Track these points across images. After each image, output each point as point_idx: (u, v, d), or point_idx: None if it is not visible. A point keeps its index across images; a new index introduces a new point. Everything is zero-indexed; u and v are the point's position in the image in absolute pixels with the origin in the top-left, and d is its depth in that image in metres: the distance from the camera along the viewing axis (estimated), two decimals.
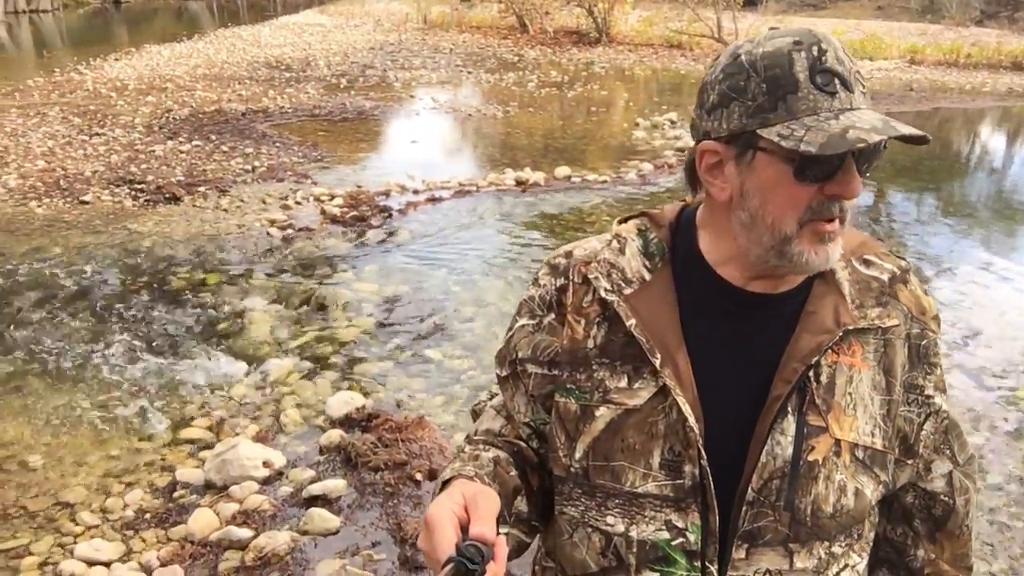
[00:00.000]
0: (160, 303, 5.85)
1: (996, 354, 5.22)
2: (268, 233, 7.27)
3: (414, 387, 4.69)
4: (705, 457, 1.02)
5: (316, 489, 3.65)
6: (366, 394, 4.55)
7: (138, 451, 4.07)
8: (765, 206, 1.00)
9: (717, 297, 1.08)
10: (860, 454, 1.05)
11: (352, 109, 13.44)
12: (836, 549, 1.06)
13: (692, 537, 1.04)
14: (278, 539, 3.33)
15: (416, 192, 8.69)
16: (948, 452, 1.16)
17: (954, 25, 26.80)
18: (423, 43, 24.13)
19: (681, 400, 1.03)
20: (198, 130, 11.29)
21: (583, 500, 1.11)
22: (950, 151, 12.90)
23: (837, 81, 0.96)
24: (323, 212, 7.85)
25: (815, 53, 0.96)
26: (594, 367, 1.09)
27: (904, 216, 8.78)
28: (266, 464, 3.83)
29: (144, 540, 3.42)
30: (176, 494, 3.72)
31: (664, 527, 1.05)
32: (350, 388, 4.62)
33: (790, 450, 1.02)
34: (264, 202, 8.22)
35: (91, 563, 3.23)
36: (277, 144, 10.73)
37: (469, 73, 18.24)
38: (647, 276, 1.10)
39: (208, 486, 3.75)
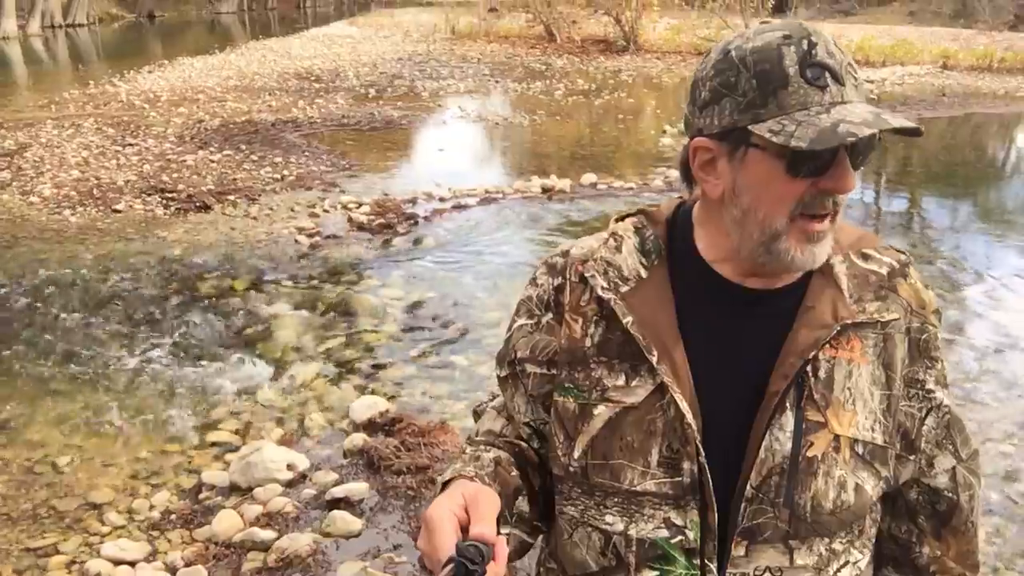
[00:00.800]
0: (189, 309, 5.92)
1: None
2: (296, 240, 7.34)
3: (438, 392, 4.70)
4: (703, 454, 1.02)
5: (339, 492, 3.67)
6: (390, 399, 4.57)
7: (165, 453, 4.12)
8: (757, 202, 1.00)
9: (714, 294, 1.08)
10: (860, 449, 1.04)
11: (380, 119, 13.55)
12: (837, 545, 1.05)
13: (691, 535, 1.03)
14: (300, 541, 3.34)
15: (442, 200, 8.73)
16: (951, 447, 1.14)
17: (987, 30, 26.40)
18: (451, 53, 24.28)
19: (678, 397, 1.02)
20: (228, 140, 11.44)
21: (582, 499, 1.10)
22: (984, 157, 12.72)
23: (828, 74, 0.95)
24: (350, 220, 7.92)
25: (805, 47, 0.95)
26: (592, 366, 1.08)
27: (938, 223, 8.66)
28: (290, 467, 3.86)
29: (169, 541, 3.45)
30: (201, 496, 3.75)
31: (663, 525, 1.04)
32: (374, 393, 4.64)
33: (789, 446, 1.01)
34: (292, 210, 8.30)
35: (117, 563, 3.27)
36: (306, 153, 10.83)
37: (496, 82, 18.32)
38: (643, 274, 1.09)
39: (233, 488, 3.78)
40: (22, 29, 29.95)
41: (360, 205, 8.33)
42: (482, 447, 1.17)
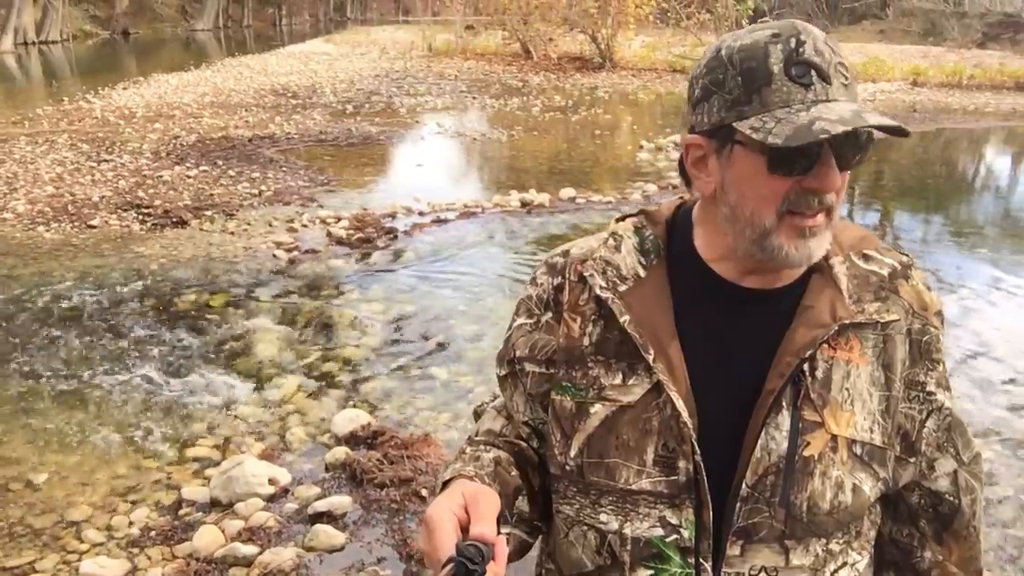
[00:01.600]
0: (167, 324, 5.86)
1: (1005, 367, 5.20)
2: (274, 255, 7.30)
3: (420, 404, 4.68)
4: (698, 452, 1.01)
5: (322, 506, 3.63)
6: (372, 412, 4.54)
7: (144, 470, 4.06)
8: (743, 199, 1.00)
9: (712, 293, 1.08)
10: (858, 450, 1.03)
11: (358, 134, 13.54)
12: (833, 546, 1.05)
13: (686, 533, 1.03)
14: (283, 556, 3.31)
15: (422, 214, 8.73)
16: (952, 450, 1.13)
17: (956, 47, 26.94)
18: (428, 70, 24.36)
19: (674, 395, 1.02)
20: (205, 156, 11.39)
21: (578, 498, 1.10)
22: (955, 171, 12.93)
23: (813, 72, 0.95)
24: (329, 234, 7.89)
25: (792, 45, 0.95)
26: (589, 364, 1.08)
27: (911, 236, 8.78)
28: (271, 481, 3.82)
29: (149, 557, 3.40)
30: (182, 511, 3.70)
31: (658, 524, 1.04)
32: (356, 406, 4.60)
33: (785, 445, 1.00)
34: (270, 225, 8.26)
35: None
36: (284, 169, 10.80)
37: (474, 99, 18.39)
38: (642, 273, 1.09)
39: (214, 503, 3.73)
40: None
41: (339, 220, 8.31)
42: (482, 447, 1.17)
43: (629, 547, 1.05)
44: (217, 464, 4.02)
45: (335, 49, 32.95)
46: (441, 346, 5.46)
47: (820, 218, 0.99)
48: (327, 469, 4.00)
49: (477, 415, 1.34)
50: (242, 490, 3.73)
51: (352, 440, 4.21)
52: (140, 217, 8.40)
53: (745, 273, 1.06)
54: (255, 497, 3.71)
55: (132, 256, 7.27)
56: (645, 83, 21.36)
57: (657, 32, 26.28)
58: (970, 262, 7.66)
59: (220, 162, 10.99)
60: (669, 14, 25.38)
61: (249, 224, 8.29)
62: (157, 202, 8.89)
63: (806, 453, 1.01)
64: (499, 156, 12.69)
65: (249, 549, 3.37)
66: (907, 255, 1.13)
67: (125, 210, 8.63)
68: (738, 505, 1.01)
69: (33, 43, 33.07)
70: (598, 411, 1.06)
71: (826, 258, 1.06)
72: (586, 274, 1.11)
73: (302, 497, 3.76)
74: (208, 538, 3.43)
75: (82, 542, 3.49)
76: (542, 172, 11.20)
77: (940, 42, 29.10)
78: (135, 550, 3.44)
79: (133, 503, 3.78)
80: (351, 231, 7.96)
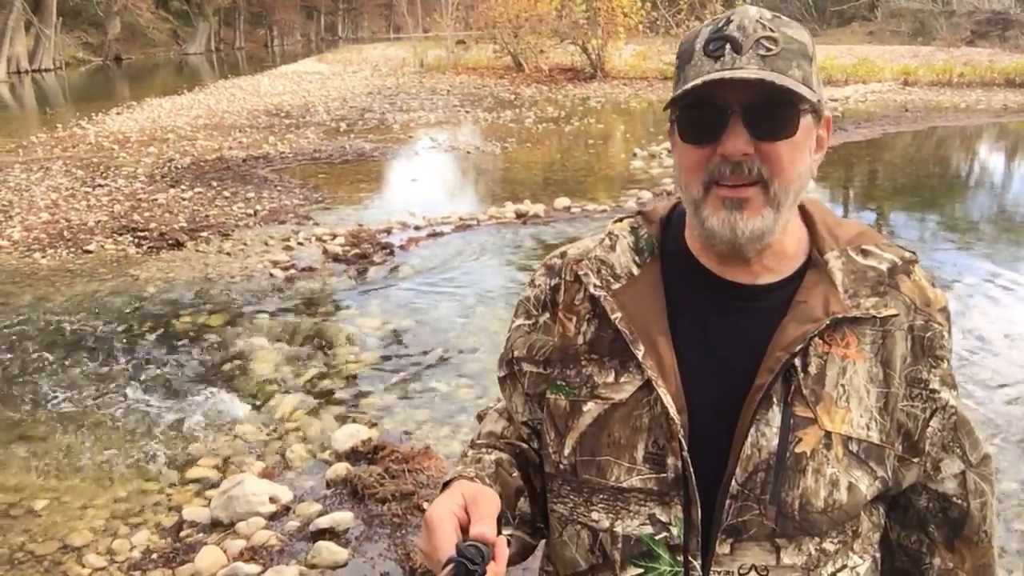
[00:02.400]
0: (164, 346, 5.85)
1: (1003, 363, 5.19)
2: (271, 274, 7.30)
3: (420, 418, 4.67)
4: (686, 449, 1.00)
5: (323, 522, 3.62)
6: (372, 426, 4.53)
7: (144, 492, 4.04)
8: (679, 172, 1.05)
9: (705, 290, 1.08)
10: (854, 447, 1.01)
11: (352, 152, 13.57)
12: (828, 546, 1.02)
13: (675, 531, 1.02)
14: (286, 574, 3.29)
15: (417, 228, 8.74)
16: (958, 450, 1.10)
17: (945, 46, 27.05)
18: (420, 86, 24.45)
19: (662, 391, 1.01)
20: (200, 178, 11.40)
21: (571, 497, 1.09)
22: (949, 169, 12.95)
23: (728, 45, 0.97)
24: (325, 251, 7.89)
25: (719, 24, 1.00)
26: (583, 363, 1.09)
27: (907, 234, 8.77)
28: (272, 500, 3.81)
29: None
30: (183, 533, 3.68)
31: (648, 521, 1.03)
32: (355, 421, 4.59)
33: (775, 442, 0.99)
34: (266, 244, 8.26)
35: None
36: (278, 188, 10.82)
37: (467, 113, 18.44)
38: (635, 271, 1.10)
39: (215, 524, 3.72)
40: None
41: (335, 236, 8.31)
42: (483, 449, 1.17)
43: (620, 545, 1.04)
44: (217, 484, 4.00)
45: (327, 68, 33.07)
46: (440, 359, 5.45)
47: (749, 191, 0.99)
48: (328, 485, 3.99)
49: (480, 418, 1.34)
50: (243, 509, 3.72)
51: (353, 456, 4.20)
52: (136, 240, 8.40)
53: (718, 263, 1.07)
54: (256, 516, 3.69)
55: (129, 279, 7.26)
56: (637, 92, 21.43)
57: (647, 41, 26.37)
58: (967, 259, 7.67)
59: (215, 183, 11.00)
60: (659, 22, 25.52)
61: (245, 244, 8.29)
62: (153, 225, 8.90)
63: (798, 450, 0.99)
64: (493, 168, 12.71)
65: (251, 568, 3.35)
66: (911, 251, 1.10)
67: (121, 234, 8.63)
68: (728, 503, 1.00)
69: (26, 71, 33.19)
70: (591, 409, 1.06)
71: (821, 253, 1.07)
72: (581, 273, 1.11)
73: (304, 514, 3.74)
74: (210, 559, 3.42)
75: (84, 567, 3.47)
76: (536, 183, 11.22)
77: (929, 41, 29.23)
78: (137, 573, 3.43)
79: (134, 526, 3.76)
80: (347, 247, 7.96)
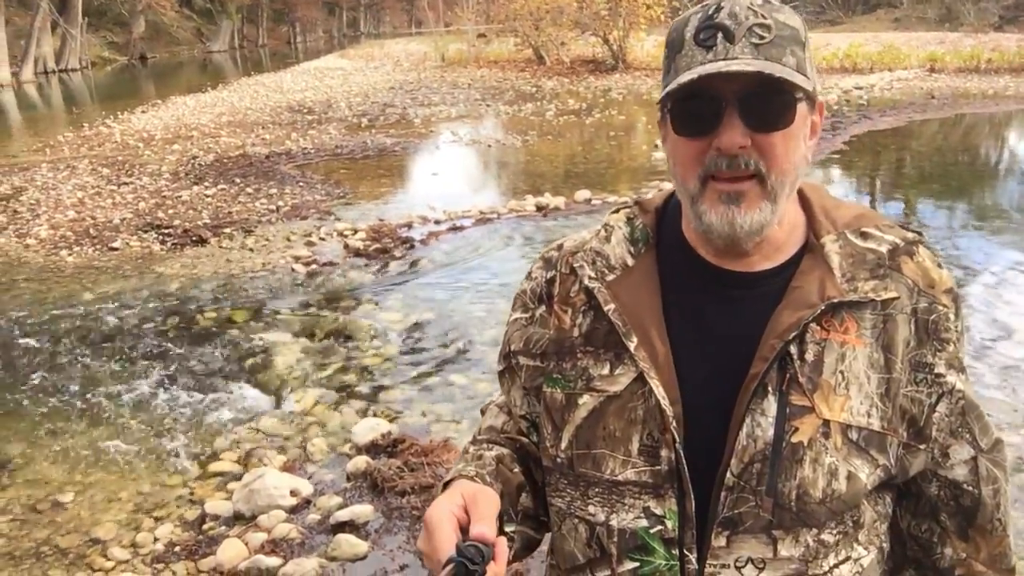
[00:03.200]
0: (188, 342, 5.91)
1: None
2: (293, 269, 7.35)
3: (439, 411, 4.68)
4: (679, 440, 0.99)
5: (343, 515, 3.64)
6: (392, 420, 4.55)
7: (168, 486, 4.09)
8: (674, 167, 1.02)
9: (700, 279, 1.06)
10: (854, 435, 0.98)
11: (373, 147, 13.62)
12: (827, 537, 0.99)
13: (670, 524, 1.00)
14: (306, 566, 3.31)
15: (437, 222, 8.75)
16: (967, 436, 1.05)
17: (972, 32, 26.61)
18: (442, 80, 24.47)
19: (654, 383, 1.00)
20: (223, 174, 11.49)
21: (568, 491, 1.08)
22: (977, 156, 12.76)
23: (720, 34, 0.95)
24: (346, 246, 7.93)
25: (710, 11, 0.96)
26: (579, 355, 1.07)
27: (935, 223, 8.65)
28: (293, 493, 3.83)
29: (174, 572, 3.42)
30: (205, 526, 3.72)
31: (643, 514, 1.01)
32: (375, 415, 4.62)
33: (771, 432, 0.96)
34: (288, 240, 8.32)
35: None
36: (300, 184, 10.88)
37: (488, 106, 18.43)
38: (630, 262, 1.08)
39: (237, 517, 3.75)
40: (16, 76, 30.19)
41: (356, 231, 8.35)
42: (484, 445, 1.16)
43: (616, 539, 1.03)
44: (239, 478, 4.04)
45: (349, 64, 33.19)
46: (459, 352, 5.46)
47: (745, 184, 0.97)
48: (348, 479, 4.01)
49: (483, 413, 1.33)
50: (264, 502, 3.75)
51: (373, 449, 4.22)
52: (160, 237, 8.49)
53: (716, 254, 1.04)
54: (277, 509, 3.72)
55: (153, 276, 7.34)
56: (659, 82, 21.29)
57: None
58: (995, 247, 7.56)
59: (238, 180, 11.09)
60: (681, 12, 25.32)
61: (268, 240, 8.35)
62: (177, 222, 8.99)
63: (794, 439, 0.96)
64: (514, 161, 12.70)
65: (272, 561, 3.38)
66: (915, 231, 1.07)
67: (145, 231, 8.72)
68: (723, 494, 0.98)
69: (53, 71, 33.61)
70: (586, 402, 1.05)
71: (818, 237, 1.04)
72: (576, 265, 1.10)
73: (324, 507, 3.77)
74: (232, 551, 3.45)
75: (108, 560, 3.51)
76: (557, 176, 11.19)
77: (956, 27, 28.77)
78: (160, 566, 3.47)
79: (157, 519, 3.81)
80: (368, 242, 7.99)
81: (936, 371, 1.02)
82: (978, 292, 6.24)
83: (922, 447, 1.03)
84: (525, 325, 1.16)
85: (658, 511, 1.01)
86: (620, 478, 1.02)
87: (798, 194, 1.08)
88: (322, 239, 8.25)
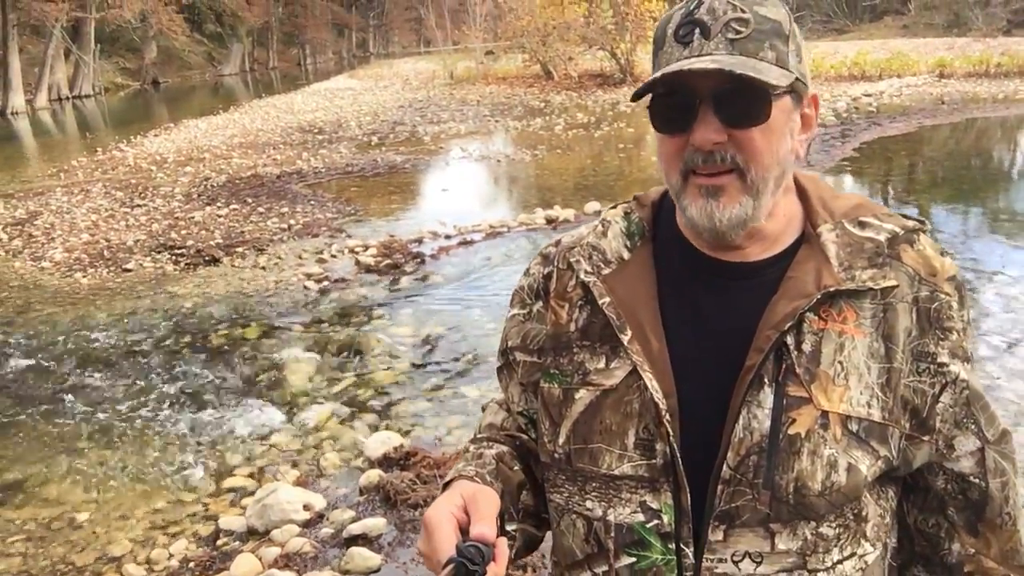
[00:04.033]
0: (202, 360, 5.94)
1: None
2: (305, 287, 7.38)
3: (451, 424, 4.68)
4: (673, 434, 0.98)
5: (356, 529, 3.64)
6: (404, 433, 4.55)
7: (182, 503, 4.10)
8: (660, 162, 1.04)
9: (696, 271, 1.05)
10: (854, 427, 0.96)
11: (383, 164, 13.69)
12: (826, 530, 0.97)
13: (666, 519, 0.99)
14: None
15: (448, 237, 8.78)
16: (973, 427, 1.02)
17: (981, 36, 26.53)
18: (451, 97, 24.59)
19: (647, 376, 0.99)
20: (235, 195, 11.57)
21: (566, 486, 1.07)
22: (989, 160, 12.69)
23: (697, 30, 0.95)
24: (358, 263, 7.96)
25: (692, 6, 0.97)
26: (575, 350, 1.07)
27: (948, 228, 8.60)
28: (306, 507, 3.84)
29: None
30: (219, 542, 3.73)
31: (639, 509, 1.01)
32: (388, 429, 4.62)
33: (768, 424, 0.95)
34: (300, 257, 8.36)
35: None
36: (312, 202, 10.94)
37: (497, 122, 18.50)
38: (626, 256, 1.08)
39: (251, 532, 3.76)
40: (30, 103, 30.55)
41: (367, 248, 8.38)
42: (484, 444, 1.16)
43: (613, 534, 1.03)
44: (253, 493, 4.04)
45: (359, 84, 33.42)
46: (470, 365, 5.46)
47: (724, 178, 0.97)
48: (361, 492, 4.01)
49: (484, 410, 1.33)
50: (278, 517, 3.75)
51: (385, 462, 4.22)
52: (173, 258, 8.55)
53: (710, 246, 1.04)
54: (291, 523, 3.72)
55: (166, 296, 7.39)
56: None
57: None
58: (1010, 250, 7.50)
59: (250, 200, 11.17)
60: None
61: (280, 258, 8.39)
62: (189, 242, 9.05)
63: (791, 431, 0.95)
64: (524, 176, 12.73)
65: (286, 575, 3.37)
66: (916, 219, 1.05)
67: (159, 252, 8.79)
68: (720, 488, 0.97)
69: (67, 98, 33.99)
70: (583, 396, 1.05)
71: (815, 227, 1.03)
72: (572, 260, 1.10)
73: (337, 521, 3.76)
74: (246, 567, 3.45)
75: None
76: (567, 189, 11.21)
77: (964, 32, 28.71)
78: None
79: (172, 536, 3.82)
80: (379, 258, 8.02)
81: (939, 360, 1.00)
82: (994, 295, 6.19)
83: (926, 438, 1.01)
84: (523, 321, 1.16)
85: (654, 505, 1.00)
86: (617, 472, 1.02)
87: (796, 184, 1.08)
88: (333, 256, 8.29)
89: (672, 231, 1.09)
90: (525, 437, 1.18)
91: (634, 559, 1.01)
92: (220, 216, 10.33)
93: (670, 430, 0.98)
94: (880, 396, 0.98)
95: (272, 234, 9.35)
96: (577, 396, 1.05)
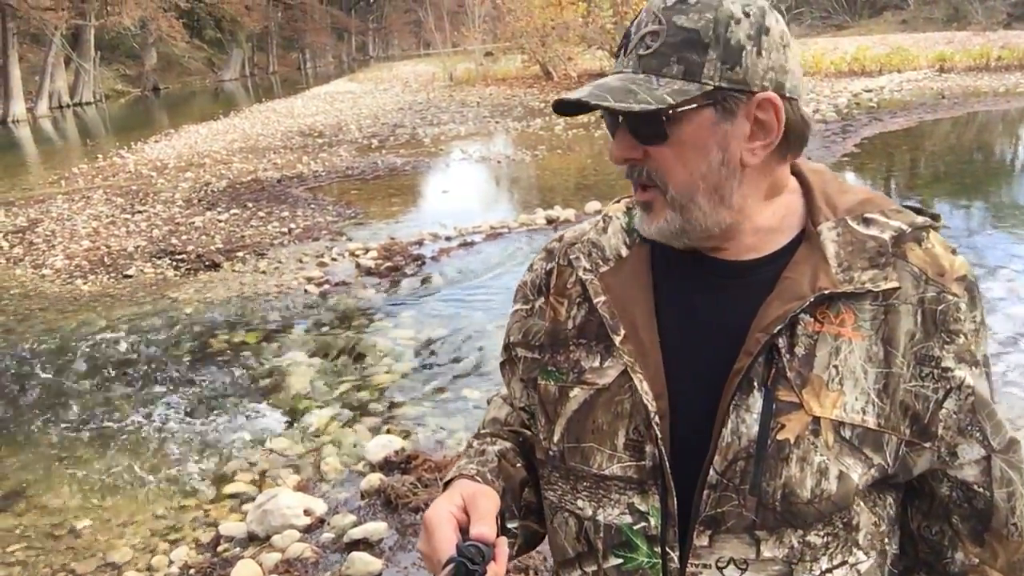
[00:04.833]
0: (202, 365, 5.93)
1: None
2: (305, 290, 7.37)
3: (452, 426, 4.66)
4: (662, 436, 0.96)
5: (357, 533, 3.62)
6: (405, 437, 4.53)
7: (183, 509, 4.08)
8: None
9: (694, 270, 1.03)
10: (847, 433, 0.93)
11: (384, 167, 13.68)
12: (813, 539, 0.94)
13: (653, 521, 0.98)
14: None
15: (448, 239, 8.76)
16: (977, 435, 0.98)
17: (981, 30, 26.48)
18: (450, 99, 24.59)
19: (638, 378, 0.97)
20: (235, 199, 11.57)
21: (560, 484, 1.06)
22: (991, 154, 12.65)
23: (626, 43, 0.97)
24: (358, 266, 7.95)
25: (643, 15, 0.97)
26: (571, 348, 1.06)
27: (950, 221, 8.56)
28: (307, 512, 3.81)
29: None
30: (220, 548, 3.71)
31: (627, 511, 0.99)
32: (389, 432, 4.60)
33: (756, 429, 0.92)
34: (301, 261, 8.35)
35: None
36: (312, 206, 10.93)
37: (497, 123, 18.50)
38: (624, 253, 1.06)
39: (251, 538, 3.74)
40: (31, 111, 30.61)
41: (367, 251, 8.37)
42: (488, 440, 1.16)
43: (602, 534, 1.01)
44: (254, 499, 4.02)
45: (359, 87, 33.43)
46: (472, 367, 5.45)
47: (649, 194, 0.99)
48: (362, 496, 3.99)
49: (489, 403, 1.32)
50: (278, 523, 3.73)
51: (386, 466, 4.20)
52: (174, 263, 8.55)
53: (705, 247, 1.03)
54: (291, 529, 3.71)
55: (167, 302, 7.38)
56: None
57: None
58: (1013, 244, 7.46)
59: (250, 204, 11.16)
60: None
61: (280, 262, 8.38)
62: (190, 248, 9.05)
63: (780, 437, 0.92)
64: (524, 176, 12.72)
65: None
66: (928, 215, 1.01)
67: (159, 258, 8.78)
68: (706, 493, 0.95)
69: (68, 105, 34.04)
70: (577, 395, 1.03)
71: (815, 224, 0.99)
72: (572, 257, 1.09)
73: (338, 526, 3.74)
74: (246, 572, 3.43)
75: None
76: (568, 189, 11.19)
77: (964, 27, 28.67)
78: None
79: (173, 542, 3.80)
80: (379, 261, 8.01)
81: (943, 365, 0.96)
82: (998, 290, 6.15)
83: (927, 445, 0.97)
84: (525, 317, 1.15)
85: (642, 508, 0.99)
86: (607, 473, 1.00)
87: (798, 178, 1.04)
88: (334, 259, 8.28)
89: None
90: (528, 433, 1.17)
91: (621, 560, 1.00)
92: (221, 221, 10.33)
93: (658, 433, 0.96)
94: (876, 402, 0.94)
95: (272, 238, 9.34)
96: (571, 394, 1.04)
